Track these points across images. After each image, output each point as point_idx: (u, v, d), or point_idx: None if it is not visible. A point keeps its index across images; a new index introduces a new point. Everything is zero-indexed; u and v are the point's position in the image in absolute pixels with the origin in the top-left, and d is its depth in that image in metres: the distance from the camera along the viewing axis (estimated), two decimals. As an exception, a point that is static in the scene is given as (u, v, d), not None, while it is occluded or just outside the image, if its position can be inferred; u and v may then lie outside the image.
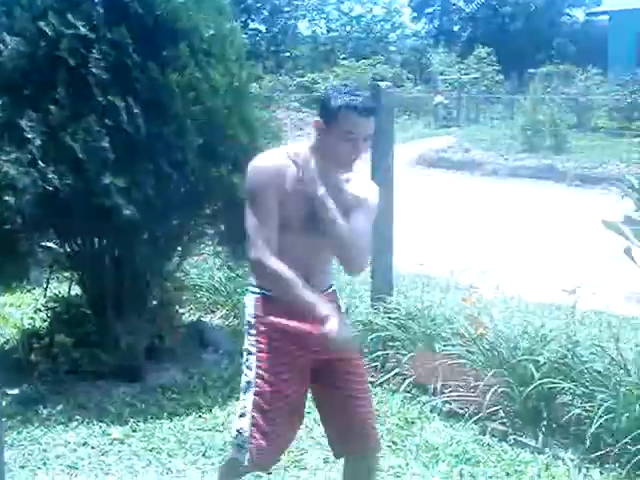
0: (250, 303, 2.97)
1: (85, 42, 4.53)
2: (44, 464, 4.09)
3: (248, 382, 2.92)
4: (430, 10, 44.94)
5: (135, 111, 4.50)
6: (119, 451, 4.22)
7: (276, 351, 2.90)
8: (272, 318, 2.91)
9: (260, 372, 2.90)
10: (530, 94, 20.98)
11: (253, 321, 2.95)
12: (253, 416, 2.88)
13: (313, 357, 2.94)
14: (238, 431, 2.93)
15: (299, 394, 2.97)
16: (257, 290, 2.95)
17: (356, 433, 2.98)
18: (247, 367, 2.95)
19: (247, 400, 2.91)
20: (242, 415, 2.93)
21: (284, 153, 2.89)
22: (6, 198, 4.43)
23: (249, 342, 2.96)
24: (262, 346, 2.91)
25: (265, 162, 2.86)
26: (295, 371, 2.93)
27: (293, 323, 2.89)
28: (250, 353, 2.94)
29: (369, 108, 2.78)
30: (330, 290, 3.05)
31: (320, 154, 2.85)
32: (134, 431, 4.42)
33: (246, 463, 2.91)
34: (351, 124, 2.76)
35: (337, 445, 3.05)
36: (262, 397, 2.89)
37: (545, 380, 4.25)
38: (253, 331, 2.94)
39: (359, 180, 2.98)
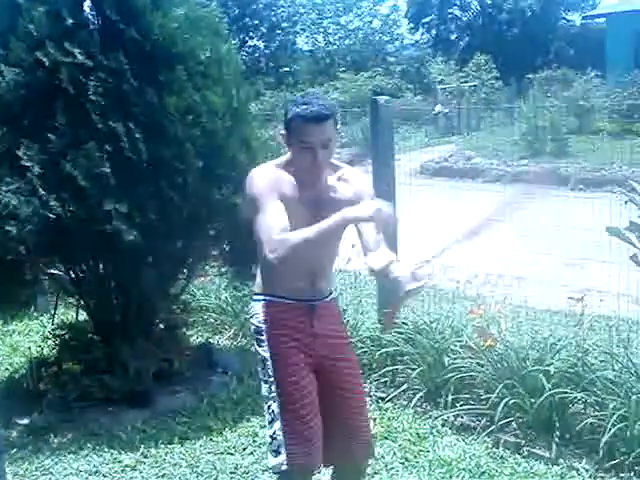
0: (258, 310, 3.02)
1: (83, 70, 4.54)
2: (56, 494, 4.08)
3: (270, 387, 2.95)
4: (427, 20, 44.99)
5: (136, 136, 4.51)
6: (131, 478, 4.20)
7: (289, 352, 2.96)
8: (280, 321, 2.97)
9: (280, 374, 2.93)
10: (529, 100, 20.95)
11: (264, 327, 2.99)
12: (284, 418, 2.91)
13: (319, 356, 3.00)
14: (272, 437, 2.95)
15: (315, 392, 2.99)
16: (263, 297, 3.02)
17: (354, 435, 3.03)
18: (265, 373, 2.98)
19: (273, 405, 2.94)
20: (271, 421, 2.95)
21: (274, 165, 2.96)
22: (8, 228, 4.42)
23: (262, 348, 3.00)
24: (276, 350, 2.96)
25: (265, 170, 2.94)
26: (307, 369, 2.98)
27: (300, 324, 2.98)
28: (265, 360, 2.98)
29: (317, 116, 2.81)
30: (330, 297, 3.13)
31: (293, 164, 2.93)
32: (145, 457, 4.40)
33: (286, 467, 2.90)
34: (303, 132, 2.83)
35: (328, 450, 3.00)
36: (287, 398, 2.92)
37: (556, 390, 4.22)
38: (264, 337, 2.99)
39: (348, 174, 3.04)
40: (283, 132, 2.94)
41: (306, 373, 2.97)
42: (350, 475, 3.18)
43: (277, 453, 2.93)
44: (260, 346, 3.00)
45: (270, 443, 2.97)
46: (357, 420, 3.07)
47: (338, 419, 3.03)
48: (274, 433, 2.93)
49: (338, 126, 2.96)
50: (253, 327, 3.05)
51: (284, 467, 2.91)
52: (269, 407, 2.96)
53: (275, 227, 2.76)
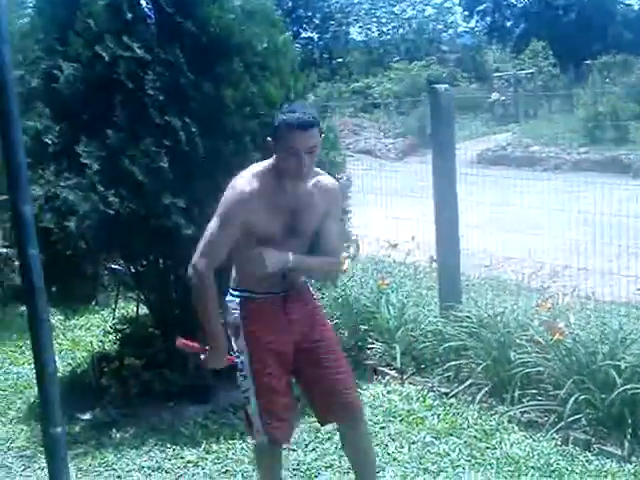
0: (235, 306, 3.28)
1: (141, 64, 4.52)
2: (120, 491, 4.07)
3: (244, 376, 3.28)
4: (481, 7, 44.48)
5: (192, 130, 4.48)
6: (193, 474, 4.18)
7: (263, 344, 3.24)
8: (257, 316, 3.25)
9: (254, 366, 3.24)
10: (588, 86, 20.56)
11: (241, 322, 3.26)
12: (259, 402, 3.26)
13: (296, 337, 3.30)
14: (246, 412, 3.36)
15: (287, 374, 3.34)
16: (239, 293, 3.27)
17: (336, 400, 3.33)
18: (241, 362, 3.28)
19: (248, 392, 3.28)
20: (246, 400, 3.32)
21: (257, 172, 3.18)
22: (67, 224, 4.43)
23: (238, 342, 3.28)
24: (251, 344, 3.25)
25: (244, 184, 3.15)
26: (279, 356, 3.28)
27: (275, 312, 3.26)
28: (241, 351, 3.27)
29: (304, 123, 3.01)
30: (301, 282, 3.40)
31: (277, 170, 3.14)
32: (207, 453, 4.38)
33: (261, 439, 3.33)
34: (290, 139, 3.02)
35: (320, 413, 3.44)
36: (261, 385, 3.25)
37: (628, 386, 4.08)
38: (241, 332, 3.26)
39: (324, 183, 3.30)
40: (270, 139, 3.14)
41: (276, 361, 3.26)
42: (349, 434, 3.45)
43: (250, 428, 3.36)
44: (237, 339, 3.28)
45: (245, 419, 3.41)
46: (339, 384, 3.34)
47: (322, 386, 3.34)
48: (250, 413, 3.31)
49: (322, 136, 3.16)
50: (231, 321, 3.29)
51: (260, 439, 3.34)
52: (244, 392, 3.31)
53: (210, 257, 3.14)
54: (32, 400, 5.27)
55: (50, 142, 4.56)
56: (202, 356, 3.34)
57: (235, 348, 3.31)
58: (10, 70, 2.11)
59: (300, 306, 3.34)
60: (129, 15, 4.61)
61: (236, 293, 3.29)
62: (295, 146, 3.02)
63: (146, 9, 4.80)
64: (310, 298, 3.46)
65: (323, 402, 3.39)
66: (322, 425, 3.67)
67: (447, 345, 5.01)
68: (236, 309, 3.27)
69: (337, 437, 4.05)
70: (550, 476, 3.88)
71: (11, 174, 2.17)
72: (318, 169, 3.30)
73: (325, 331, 3.43)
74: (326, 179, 3.33)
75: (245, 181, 3.17)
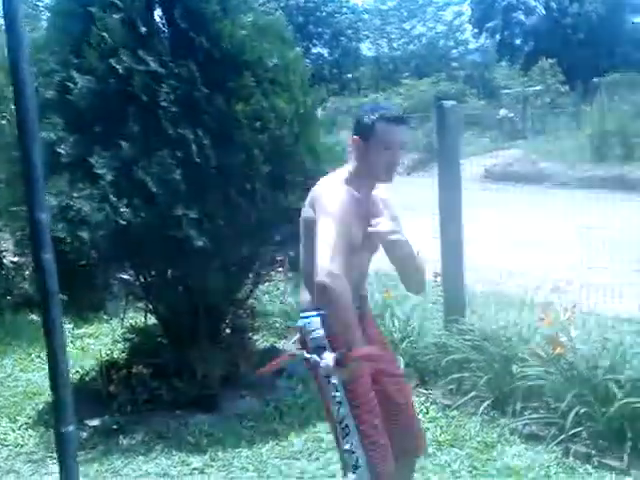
0: (318, 324, 2.97)
1: (155, 77, 4.61)
2: (126, 496, 4.14)
3: (339, 402, 2.94)
4: (491, 24, 44.62)
5: (204, 142, 4.56)
6: (199, 481, 4.25)
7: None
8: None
9: (349, 387, 2.92)
10: (596, 104, 20.61)
11: (326, 341, 2.94)
12: (361, 430, 2.93)
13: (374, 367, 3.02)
14: (347, 451, 2.96)
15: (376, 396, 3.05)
16: (321, 310, 2.97)
17: (406, 434, 3.15)
18: (334, 387, 2.94)
19: (346, 419, 2.94)
20: (346, 435, 2.95)
21: (341, 182, 3.04)
22: (80, 234, 4.51)
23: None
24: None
25: (341, 190, 2.99)
26: (368, 377, 3.01)
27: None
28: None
29: (401, 117, 3.05)
30: (368, 303, 3.31)
31: (363, 172, 3.05)
32: (213, 460, 4.44)
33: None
34: (387, 133, 2.99)
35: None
36: (360, 410, 2.94)
37: (628, 399, 4.14)
38: (327, 351, 2.91)
39: (383, 193, 3.18)
40: (357, 138, 3.04)
41: (369, 381, 3.01)
42: (408, 468, 3.28)
43: (355, 467, 2.94)
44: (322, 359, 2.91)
45: (347, 458, 2.97)
46: (413, 416, 3.25)
47: (398, 418, 3.14)
48: (351, 446, 2.94)
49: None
50: (315, 341, 2.98)
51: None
52: (340, 421, 2.95)
53: (337, 260, 2.79)
54: (41, 406, 5.35)
55: (64, 153, 4.64)
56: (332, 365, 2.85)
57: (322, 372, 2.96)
58: (30, 85, 2.21)
59: (372, 325, 3.25)
60: (143, 29, 4.70)
61: (316, 312, 2.98)
62: (392, 140, 2.99)
63: (160, 24, 4.89)
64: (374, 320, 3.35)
65: (400, 435, 3.12)
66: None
67: (450, 358, 5.08)
68: (319, 327, 2.97)
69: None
70: (550, 487, 3.94)
71: (28, 183, 2.25)
72: None
73: (392, 355, 3.30)
74: (384, 191, 3.20)
75: (337, 186, 3.03)
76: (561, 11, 41.24)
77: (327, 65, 39.64)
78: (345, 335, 2.83)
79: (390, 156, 3.00)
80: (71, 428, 2.33)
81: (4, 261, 8.07)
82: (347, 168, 3.11)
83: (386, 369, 3.13)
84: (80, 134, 4.72)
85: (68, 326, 6.38)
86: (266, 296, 6.92)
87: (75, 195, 4.58)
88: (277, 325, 6.73)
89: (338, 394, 2.94)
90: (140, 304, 5.80)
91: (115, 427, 4.85)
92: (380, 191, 3.17)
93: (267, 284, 6.67)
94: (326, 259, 2.79)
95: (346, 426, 2.95)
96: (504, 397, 4.74)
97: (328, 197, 2.97)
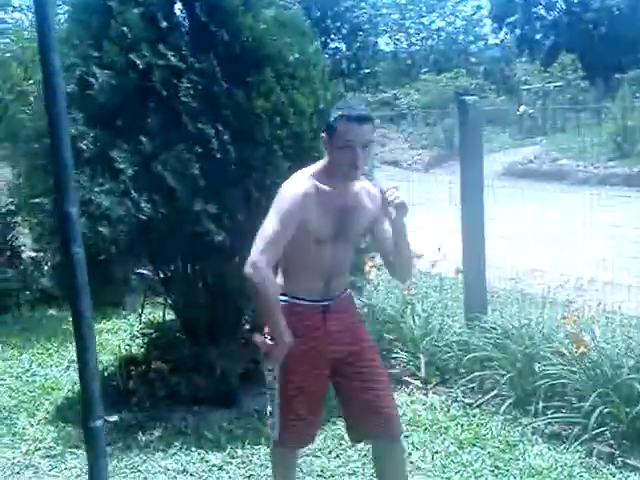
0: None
1: (175, 71, 4.59)
2: (145, 492, 4.12)
3: (273, 380, 3.25)
4: (511, 19, 44.35)
5: (224, 137, 4.54)
6: (218, 478, 4.23)
7: (299, 358, 3.18)
8: (298, 323, 3.17)
9: (286, 377, 3.21)
10: (618, 100, 20.43)
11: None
12: (279, 403, 3.24)
13: (331, 353, 3.26)
14: (269, 413, 3.33)
15: (319, 386, 3.32)
16: (283, 298, 3.19)
17: (375, 416, 3.27)
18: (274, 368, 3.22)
19: (275, 390, 3.25)
20: (271, 401, 3.29)
21: (308, 176, 3.16)
22: (100, 229, 4.49)
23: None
24: (288, 355, 3.15)
25: (298, 186, 3.12)
26: (315, 366, 3.25)
27: (315, 322, 3.23)
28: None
29: (361, 117, 3.05)
30: (346, 293, 3.38)
31: (331, 168, 3.14)
32: (232, 457, 4.42)
33: (276, 438, 3.32)
34: (347, 132, 3.03)
35: (356, 429, 3.41)
36: (286, 392, 3.23)
37: (653, 399, 4.09)
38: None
39: (369, 187, 3.30)
40: (324, 135, 3.15)
41: (314, 374, 3.26)
42: (386, 452, 3.38)
43: (273, 429, 3.32)
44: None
45: (267, 419, 3.41)
46: (379, 400, 3.30)
47: (361, 402, 3.29)
48: (271, 411, 3.30)
49: (374, 134, 3.15)
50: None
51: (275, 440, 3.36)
52: (272, 397, 3.27)
53: (270, 253, 3.03)
54: (60, 401, 5.35)
55: (85, 147, 4.62)
56: (263, 350, 3.19)
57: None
58: (60, 75, 2.18)
59: (342, 318, 3.31)
60: (164, 24, 4.68)
61: (284, 298, 3.21)
62: (352, 139, 3.03)
63: (180, 18, 4.87)
64: (353, 310, 3.44)
65: (361, 418, 3.33)
66: (354, 443, 3.71)
67: (472, 356, 5.04)
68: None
69: (361, 444, 4.08)
70: (573, 488, 3.89)
71: (58, 177, 2.23)
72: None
73: (366, 345, 3.39)
74: (370, 185, 3.33)
75: (300, 180, 3.16)
76: (582, 5, 40.91)
77: (345, 60, 39.52)
78: (267, 323, 3.15)
79: (351, 154, 3.04)
80: (99, 423, 2.31)
81: (22, 256, 8.09)
82: (320, 162, 3.22)
83: (346, 360, 3.28)
84: (100, 129, 4.70)
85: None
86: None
87: (96, 190, 4.57)
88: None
89: (276, 375, 3.23)
90: (158, 299, 5.79)
91: (134, 423, 4.84)
92: (368, 184, 3.31)
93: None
94: (256, 251, 3.03)
95: (273, 401, 3.27)
96: (526, 396, 4.69)
97: (281, 191, 3.13)
